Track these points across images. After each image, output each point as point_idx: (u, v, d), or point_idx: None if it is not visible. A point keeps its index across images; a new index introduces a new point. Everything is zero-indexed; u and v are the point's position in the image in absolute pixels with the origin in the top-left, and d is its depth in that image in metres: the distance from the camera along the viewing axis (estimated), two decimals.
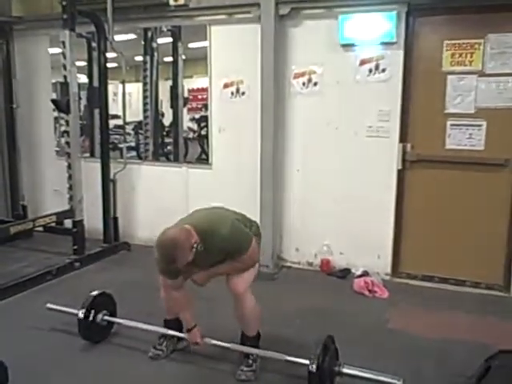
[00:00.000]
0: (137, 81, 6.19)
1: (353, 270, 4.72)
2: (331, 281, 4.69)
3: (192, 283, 3.02)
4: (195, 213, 3.03)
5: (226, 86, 5.07)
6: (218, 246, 2.79)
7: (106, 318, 3.45)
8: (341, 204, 4.75)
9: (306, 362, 2.70)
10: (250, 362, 3.04)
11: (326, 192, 4.79)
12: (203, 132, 5.51)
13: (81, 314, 3.34)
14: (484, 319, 3.87)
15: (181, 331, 3.26)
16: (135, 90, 6.25)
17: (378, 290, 4.31)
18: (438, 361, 3.23)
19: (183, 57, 5.72)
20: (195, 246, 2.69)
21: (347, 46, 4.52)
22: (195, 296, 3.16)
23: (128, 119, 5.93)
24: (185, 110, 5.80)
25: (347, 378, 2.81)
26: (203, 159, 5.49)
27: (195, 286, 3.01)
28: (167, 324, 3.30)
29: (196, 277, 2.96)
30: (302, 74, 4.74)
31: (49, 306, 3.68)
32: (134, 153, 6.18)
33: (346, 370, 2.79)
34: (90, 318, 3.36)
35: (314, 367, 2.63)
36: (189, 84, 5.79)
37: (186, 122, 5.84)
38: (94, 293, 3.46)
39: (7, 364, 2.78)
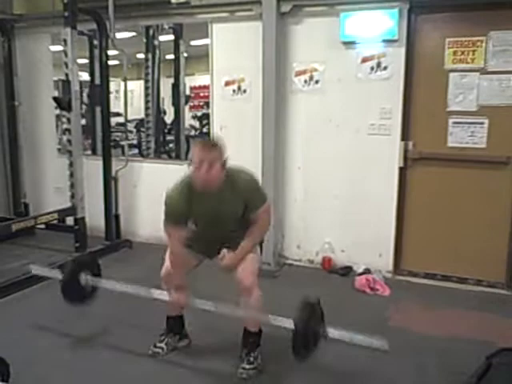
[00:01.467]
0: (138, 78, 6.19)
1: (354, 268, 4.72)
2: (333, 278, 4.69)
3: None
4: None
5: (227, 83, 5.07)
6: (239, 187, 2.83)
7: (89, 278, 3.43)
8: (342, 201, 4.75)
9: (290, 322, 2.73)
10: (252, 359, 3.02)
11: (328, 189, 4.79)
12: (205, 130, 5.52)
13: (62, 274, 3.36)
14: (486, 317, 3.86)
15: (183, 328, 3.29)
16: (137, 87, 6.25)
17: (379, 287, 4.31)
18: (439, 358, 3.23)
19: (185, 54, 5.73)
20: (225, 162, 2.77)
21: (348, 44, 4.51)
22: (197, 295, 3.14)
23: (130, 117, 5.94)
24: (187, 108, 5.80)
25: (333, 342, 2.79)
26: None
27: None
28: (169, 321, 3.30)
29: (225, 261, 2.95)
30: (304, 72, 4.73)
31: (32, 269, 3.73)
32: (136, 150, 6.19)
33: (331, 334, 2.76)
34: (73, 279, 3.36)
35: (298, 327, 2.67)
36: (191, 82, 5.79)
37: (188, 120, 5.85)
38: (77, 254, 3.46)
39: (9, 361, 2.79)
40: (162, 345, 3.26)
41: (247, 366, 3.00)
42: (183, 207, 2.85)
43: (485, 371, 2.61)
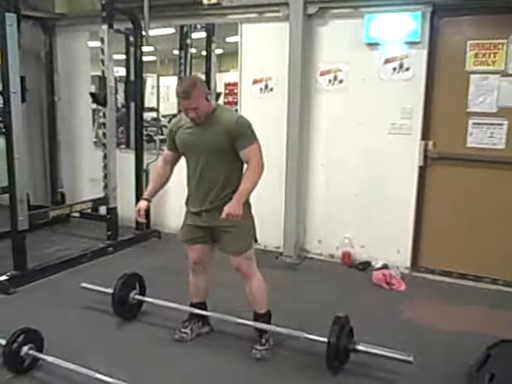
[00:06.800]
0: (175, 74, 6.33)
1: (373, 263, 4.84)
2: (351, 272, 4.84)
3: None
4: None
5: (255, 82, 5.24)
6: (223, 122, 2.94)
7: (137, 296, 3.70)
8: (363, 198, 4.88)
9: (324, 339, 2.93)
10: (264, 340, 3.23)
11: (349, 186, 4.92)
12: None
13: (115, 291, 3.60)
14: (499, 314, 3.95)
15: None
16: (173, 83, 6.40)
17: (395, 282, 4.43)
18: (446, 350, 3.34)
19: (219, 51, 5.83)
20: (208, 96, 2.96)
21: (372, 45, 4.64)
22: (218, 283, 3.34)
23: (165, 112, 6.10)
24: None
25: (361, 355, 3.02)
26: None
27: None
28: (193, 307, 3.47)
29: (225, 209, 2.92)
30: (328, 72, 4.87)
31: (83, 285, 3.95)
32: None
33: (360, 347, 3.00)
34: (123, 295, 3.61)
35: (332, 344, 2.87)
36: (226, 78, 5.89)
37: None
38: (127, 272, 3.73)
39: (44, 335, 3.06)
40: (187, 330, 3.44)
41: (260, 347, 3.21)
42: (175, 127, 3.14)
43: (485, 360, 2.74)
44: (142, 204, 3.26)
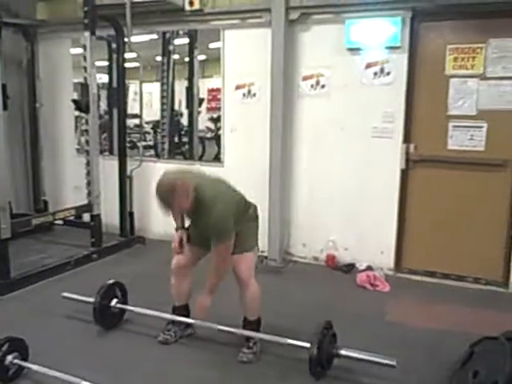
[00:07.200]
0: (158, 80, 6.31)
1: (357, 265, 4.88)
2: (336, 275, 4.88)
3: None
4: (200, 177, 3.20)
5: (237, 87, 5.27)
6: (204, 218, 2.98)
7: (119, 305, 3.67)
8: (346, 201, 4.93)
9: (307, 345, 2.94)
10: (251, 344, 3.26)
11: (332, 190, 4.97)
12: (220, 132, 5.61)
13: (96, 301, 3.56)
14: (481, 312, 4.00)
15: (188, 317, 3.48)
16: (156, 89, 6.37)
17: (379, 283, 4.48)
18: (431, 349, 3.38)
19: (202, 57, 5.81)
20: (190, 197, 2.94)
21: (353, 50, 4.70)
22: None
23: (148, 118, 6.07)
24: (204, 110, 5.88)
25: (344, 360, 3.02)
26: (219, 158, 5.63)
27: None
28: (175, 311, 3.50)
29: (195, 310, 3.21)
30: (311, 77, 4.92)
31: (64, 294, 3.90)
32: (152, 151, 6.36)
33: (343, 352, 3.00)
34: (104, 305, 3.58)
35: (314, 350, 2.87)
36: (209, 84, 5.88)
37: (205, 122, 5.94)
38: (108, 282, 3.70)
39: (28, 343, 3.03)
40: (171, 332, 3.48)
41: (246, 351, 3.24)
42: None
43: (468, 358, 2.79)
44: (182, 233, 3.33)
